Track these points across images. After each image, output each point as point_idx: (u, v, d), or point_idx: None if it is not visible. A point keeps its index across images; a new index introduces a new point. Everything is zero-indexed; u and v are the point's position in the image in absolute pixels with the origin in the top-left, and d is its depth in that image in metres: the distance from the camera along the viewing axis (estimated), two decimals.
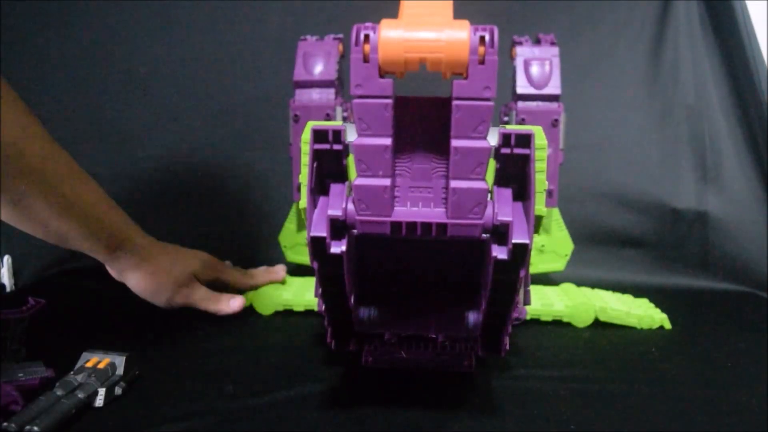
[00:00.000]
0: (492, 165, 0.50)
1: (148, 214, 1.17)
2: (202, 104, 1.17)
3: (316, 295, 0.57)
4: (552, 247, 0.96)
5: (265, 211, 1.14)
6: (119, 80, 1.16)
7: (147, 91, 1.17)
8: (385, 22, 0.47)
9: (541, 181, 0.59)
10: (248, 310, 0.90)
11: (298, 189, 0.93)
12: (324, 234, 0.49)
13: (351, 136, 0.49)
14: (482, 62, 0.46)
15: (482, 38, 0.46)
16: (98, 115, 1.17)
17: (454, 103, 0.46)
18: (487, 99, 0.46)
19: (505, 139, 0.48)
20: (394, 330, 0.62)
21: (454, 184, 0.48)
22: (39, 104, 1.13)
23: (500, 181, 0.51)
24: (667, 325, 0.87)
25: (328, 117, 0.93)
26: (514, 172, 0.50)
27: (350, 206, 0.49)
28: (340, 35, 0.99)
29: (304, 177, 0.74)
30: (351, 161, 0.50)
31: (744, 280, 1.10)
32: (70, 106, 1.16)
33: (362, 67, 0.46)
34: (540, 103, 0.92)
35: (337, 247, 0.49)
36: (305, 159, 0.69)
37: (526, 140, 0.48)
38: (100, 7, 1.14)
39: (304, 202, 0.75)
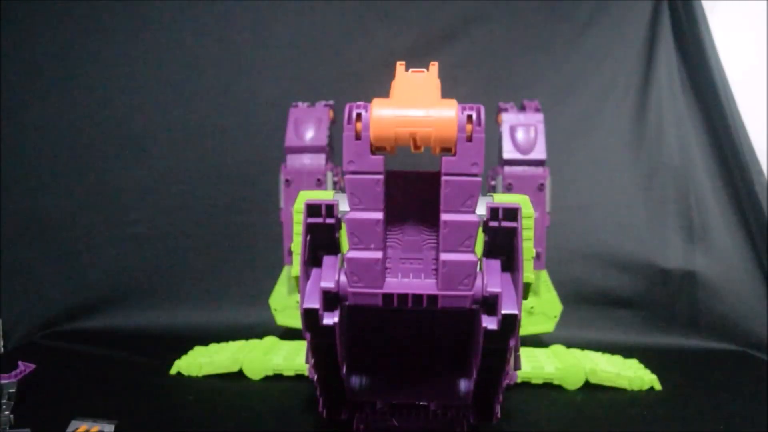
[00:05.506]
0: (481, 236, 0.51)
1: (140, 277, 1.18)
2: (196, 167, 1.19)
3: (307, 363, 0.58)
4: (541, 308, 0.97)
5: (256, 274, 1.15)
6: (114, 142, 1.18)
7: (141, 152, 1.18)
8: (376, 102, 0.49)
9: (528, 249, 0.60)
10: (238, 375, 0.89)
11: (289, 253, 0.94)
12: (317, 306, 0.49)
13: (343, 206, 0.51)
14: (470, 139, 0.48)
15: (470, 117, 0.48)
16: (92, 176, 1.18)
17: (444, 178, 0.48)
18: (475, 175, 0.48)
19: (493, 212, 0.50)
20: (385, 398, 0.62)
21: (444, 256, 0.49)
22: (34, 163, 1.16)
23: (489, 252, 0.52)
24: (657, 386, 0.87)
25: (319, 182, 0.95)
26: (503, 244, 0.51)
27: (342, 278, 0.50)
28: (331, 102, 1.02)
29: (296, 246, 0.76)
30: (343, 233, 0.51)
31: (734, 339, 1.11)
32: (64, 164, 1.17)
33: (354, 144, 0.48)
34: (526, 168, 0.95)
35: (330, 319, 0.50)
36: (297, 228, 0.70)
37: (513, 214, 0.50)
38: (98, 70, 1.17)
39: (296, 269, 0.76)
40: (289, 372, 0.88)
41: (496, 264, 0.51)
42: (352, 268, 0.50)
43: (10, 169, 1.15)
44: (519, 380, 0.86)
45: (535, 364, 0.88)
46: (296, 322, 0.95)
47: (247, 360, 0.89)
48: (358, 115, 0.48)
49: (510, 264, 0.52)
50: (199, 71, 1.19)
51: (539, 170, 0.95)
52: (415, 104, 0.48)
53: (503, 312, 0.49)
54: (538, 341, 1.01)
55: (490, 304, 0.50)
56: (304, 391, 0.83)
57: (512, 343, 0.51)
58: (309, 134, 0.97)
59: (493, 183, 0.98)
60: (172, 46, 1.18)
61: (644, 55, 1.22)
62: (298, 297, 0.94)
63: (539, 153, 0.95)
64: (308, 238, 0.51)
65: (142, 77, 1.18)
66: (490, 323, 0.49)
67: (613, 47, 1.22)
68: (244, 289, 1.17)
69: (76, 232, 1.17)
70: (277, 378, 0.89)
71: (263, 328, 1.03)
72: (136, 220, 1.18)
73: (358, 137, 0.48)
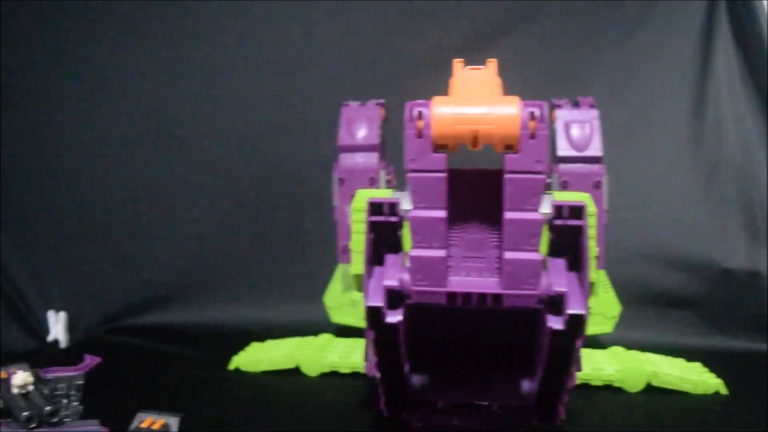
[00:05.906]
0: (545, 234, 0.51)
1: (198, 274, 1.21)
2: (250, 167, 1.21)
3: (366, 360, 0.58)
4: (599, 309, 0.95)
5: (310, 272, 1.16)
6: (173, 142, 1.21)
7: (197, 153, 1.21)
8: (436, 100, 0.49)
9: (591, 247, 0.59)
10: (294, 372, 0.90)
11: (343, 251, 0.94)
12: (380, 304, 0.50)
13: (404, 203, 0.51)
14: (533, 137, 0.47)
15: (532, 113, 0.47)
16: (153, 176, 1.21)
17: (507, 176, 0.48)
18: (539, 172, 0.47)
19: (558, 210, 0.49)
20: (447, 397, 0.62)
21: (508, 255, 0.48)
22: (99, 159, 1.19)
23: (553, 251, 0.51)
24: (723, 391, 0.84)
25: (373, 180, 0.95)
26: (567, 243, 0.51)
27: (405, 276, 0.50)
28: (382, 100, 1.02)
29: (355, 244, 0.76)
30: (405, 231, 0.51)
31: None
32: (126, 163, 1.20)
33: (416, 142, 0.48)
34: (582, 165, 0.93)
35: (394, 317, 0.50)
36: (356, 227, 0.71)
37: (578, 212, 0.49)
38: (151, 72, 1.20)
39: (355, 267, 0.76)
40: (345, 369, 0.89)
41: (561, 263, 0.50)
42: (416, 267, 0.50)
43: (72, 164, 1.19)
44: (578, 381, 0.84)
45: (595, 366, 0.87)
46: (351, 320, 0.96)
47: (304, 357, 0.90)
48: (419, 114, 0.48)
49: (575, 263, 0.51)
50: (251, 73, 1.21)
51: (595, 167, 0.92)
52: (476, 102, 0.48)
53: (570, 312, 0.48)
54: (596, 343, 0.99)
55: (556, 303, 0.49)
56: (360, 389, 0.84)
57: (579, 343, 0.50)
58: (361, 133, 0.97)
59: (548, 181, 0.96)
60: (224, 47, 1.20)
61: (701, 48, 1.18)
62: (352, 295, 0.95)
63: (595, 150, 0.92)
64: (371, 236, 0.51)
65: (196, 80, 1.21)
66: (555, 323, 0.49)
67: (668, 40, 1.18)
68: (298, 286, 1.19)
69: (136, 229, 1.20)
70: (333, 375, 0.89)
71: (318, 325, 1.04)
72: (194, 219, 1.21)
73: (419, 136, 0.48)
